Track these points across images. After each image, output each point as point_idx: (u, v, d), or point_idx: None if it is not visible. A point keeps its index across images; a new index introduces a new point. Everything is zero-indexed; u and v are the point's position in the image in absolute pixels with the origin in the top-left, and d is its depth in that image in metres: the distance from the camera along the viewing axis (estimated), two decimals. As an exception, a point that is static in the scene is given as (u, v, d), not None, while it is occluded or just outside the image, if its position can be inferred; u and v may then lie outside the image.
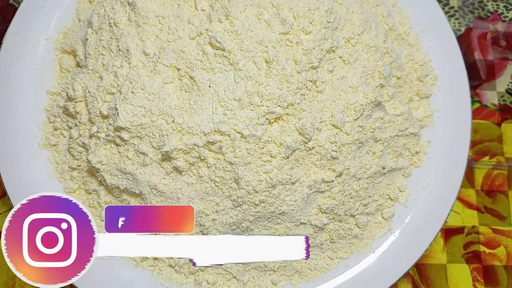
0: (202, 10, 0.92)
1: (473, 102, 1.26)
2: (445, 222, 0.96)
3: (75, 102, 0.89)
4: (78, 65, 0.97)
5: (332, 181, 0.87)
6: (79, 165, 0.91)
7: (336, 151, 0.87)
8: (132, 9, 0.90)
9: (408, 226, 0.95)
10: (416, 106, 1.03)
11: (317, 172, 0.87)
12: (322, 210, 0.89)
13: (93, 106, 0.87)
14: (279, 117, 0.85)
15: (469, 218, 1.21)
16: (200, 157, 0.83)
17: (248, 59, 0.86)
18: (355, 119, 0.89)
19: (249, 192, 0.83)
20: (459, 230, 1.22)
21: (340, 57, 0.93)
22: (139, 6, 0.89)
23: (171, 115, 0.83)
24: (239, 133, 0.82)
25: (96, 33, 0.93)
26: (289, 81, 0.86)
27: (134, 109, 0.83)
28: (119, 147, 0.85)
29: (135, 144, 0.85)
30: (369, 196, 0.93)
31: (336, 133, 0.88)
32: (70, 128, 0.92)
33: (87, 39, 0.94)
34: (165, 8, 0.91)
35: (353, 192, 0.90)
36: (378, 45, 0.97)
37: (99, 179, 0.88)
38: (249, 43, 0.87)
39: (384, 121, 0.94)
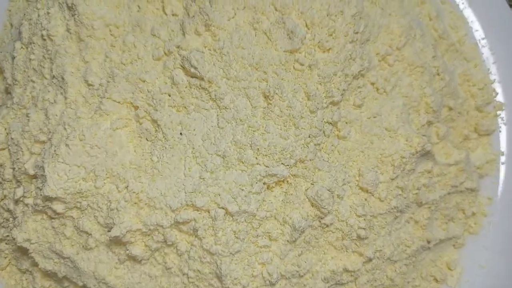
0: (173, 14, 0.64)
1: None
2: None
3: (-5, 149, 0.64)
4: (6, 90, 0.71)
5: (359, 269, 0.61)
6: (7, 235, 0.66)
7: (364, 228, 0.60)
8: (72, 15, 0.63)
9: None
10: (474, 146, 0.74)
11: (337, 257, 0.61)
12: (342, 308, 0.64)
13: (17, 158, 0.62)
14: (283, 180, 0.59)
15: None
16: (166, 241, 0.57)
17: (238, 91, 0.59)
18: (392, 179, 0.62)
19: (237, 293, 0.57)
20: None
21: (372, 84, 0.65)
22: (81, 11, 0.62)
23: (124, 178, 0.57)
24: (222, 208, 0.56)
25: (27, 48, 0.67)
26: (298, 126, 0.59)
27: (69, 170, 0.57)
28: (52, 220, 0.60)
29: (73, 218, 0.59)
30: (408, 282, 0.67)
31: (365, 200, 0.61)
32: (-7, 183, 0.67)
33: (14, 57, 0.67)
34: (120, 13, 0.64)
35: (386, 280, 0.64)
36: (425, 63, 0.68)
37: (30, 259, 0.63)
38: (240, 68, 0.59)
39: (432, 174, 0.67)
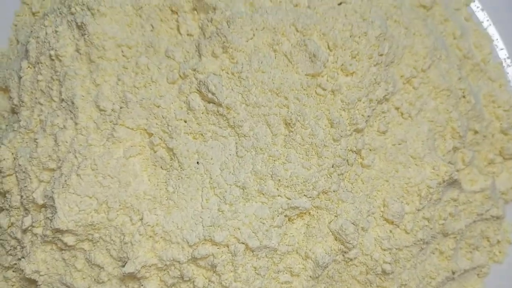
0: (188, 34, 0.61)
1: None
2: None
3: (2, 176, 0.61)
4: (13, 110, 0.68)
5: (383, 304, 0.59)
6: (14, 264, 0.64)
7: (390, 263, 0.58)
8: (81, 35, 0.60)
9: None
10: (498, 170, 0.71)
11: (361, 291, 0.59)
12: None
13: (25, 186, 0.59)
14: (304, 213, 0.56)
15: None
16: (182, 277, 0.54)
17: (257, 118, 0.56)
18: (419, 209, 0.59)
19: (257, 331, 0.55)
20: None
21: (397, 109, 0.62)
22: (91, 30, 0.58)
23: (138, 210, 0.54)
24: (242, 243, 0.53)
25: (34, 67, 0.63)
26: (321, 155, 0.56)
27: (80, 201, 0.54)
28: (63, 251, 0.57)
29: (85, 251, 0.56)
30: (432, 314, 0.64)
31: (391, 232, 0.59)
32: (2, 209, 0.64)
33: (20, 77, 0.64)
34: (132, 33, 0.60)
35: (410, 314, 0.62)
36: (451, 85, 0.65)
37: (38, 291, 0.61)
38: (260, 93, 0.56)
39: (458, 202, 0.64)
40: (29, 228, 0.58)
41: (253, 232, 0.53)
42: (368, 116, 0.58)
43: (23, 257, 0.59)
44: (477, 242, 0.68)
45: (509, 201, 0.71)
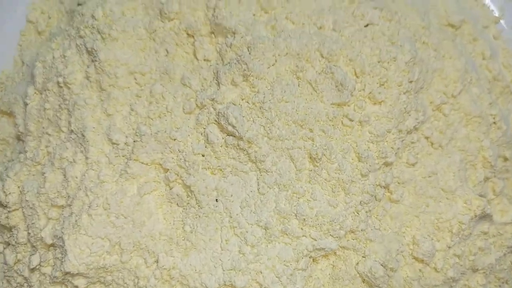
0: (205, 60, 0.57)
1: None
2: None
3: (8, 211, 0.58)
4: (18, 137, 0.64)
5: None
6: (21, 301, 0.61)
7: (420, 306, 0.54)
8: (92, 61, 0.56)
9: None
10: (530, 198, 0.68)
11: (389, 335, 0.55)
12: None
13: (32, 223, 0.55)
14: (329, 254, 0.52)
15: None
16: (201, 324, 0.51)
17: (280, 152, 0.52)
18: (450, 247, 0.56)
19: None
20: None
21: (427, 138, 0.58)
22: (103, 57, 0.55)
23: (153, 252, 0.51)
24: (266, 288, 0.50)
25: (40, 94, 0.60)
26: (348, 191, 0.52)
27: (92, 243, 0.50)
28: (73, 293, 0.54)
29: (97, 293, 0.53)
30: None
31: (420, 272, 0.55)
32: (6, 244, 0.61)
33: (26, 104, 0.60)
34: (146, 58, 0.57)
35: None
36: (482, 111, 0.61)
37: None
38: (283, 125, 0.53)
39: (489, 236, 0.60)
40: (37, 267, 0.55)
41: (276, 277, 0.50)
42: (398, 148, 0.55)
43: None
44: (507, 275, 0.64)
45: (540, 231, 0.68)
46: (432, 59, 0.61)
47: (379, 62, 0.56)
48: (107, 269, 0.52)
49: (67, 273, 0.51)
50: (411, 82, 0.57)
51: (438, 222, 0.56)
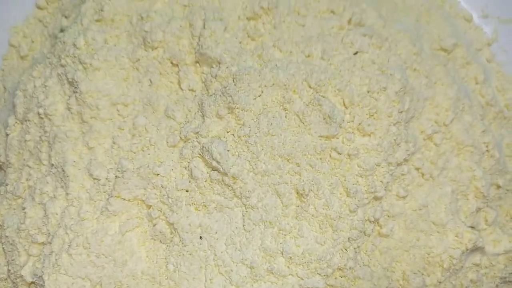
0: (190, 90, 0.56)
1: None
2: None
3: (-12, 245, 0.56)
4: (0, 167, 0.63)
5: None
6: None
7: None
8: (73, 92, 0.55)
9: None
10: (523, 225, 0.67)
11: None
12: None
13: (12, 259, 0.54)
14: (318, 292, 0.51)
15: None
16: None
17: (267, 188, 0.51)
18: (440, 282, 0.54)
19: None
20: None
21: (418, 169, 0.57)
22: (84, 89, 0.53)
23: (136, 292, 0.50)
24: (251, 332, 0.48)
25: (21, 124, 0.58)
26: (336, 228, 0.51)
27: (72, 283, 0.49)
28: (54, 332, 0.53)
29: (78, 334, 0.52)
30: None
31: (411, 309, 0.54)
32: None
33: (7, 134, 0.58)
34: (129, 88, 0.55)
35: None
36: (475, 141, 0.60)
37: None
38: (269, 159, 0.51)
39: (480, 267, 0.59)
40: (17, 306, 0.54)
41: (262, 319, 0.48)
42: (388, 182, 0.53)
43: None
44: (499, 306, 0.63)
45: (533, 259, 0.67)
46: (424, 86, 0.60)
47: (368, 92, 0.55)
48: (88, 310, 0.50)
49: (46, 314, 0.50)
50: (401, 112, 0.55)
51: (428, 256, 0.55)
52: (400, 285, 0.54)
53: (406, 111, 0.56)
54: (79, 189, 0.52)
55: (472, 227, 0.59)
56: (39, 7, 0.68)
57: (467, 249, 0.56)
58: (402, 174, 0.57)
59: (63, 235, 0.50)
